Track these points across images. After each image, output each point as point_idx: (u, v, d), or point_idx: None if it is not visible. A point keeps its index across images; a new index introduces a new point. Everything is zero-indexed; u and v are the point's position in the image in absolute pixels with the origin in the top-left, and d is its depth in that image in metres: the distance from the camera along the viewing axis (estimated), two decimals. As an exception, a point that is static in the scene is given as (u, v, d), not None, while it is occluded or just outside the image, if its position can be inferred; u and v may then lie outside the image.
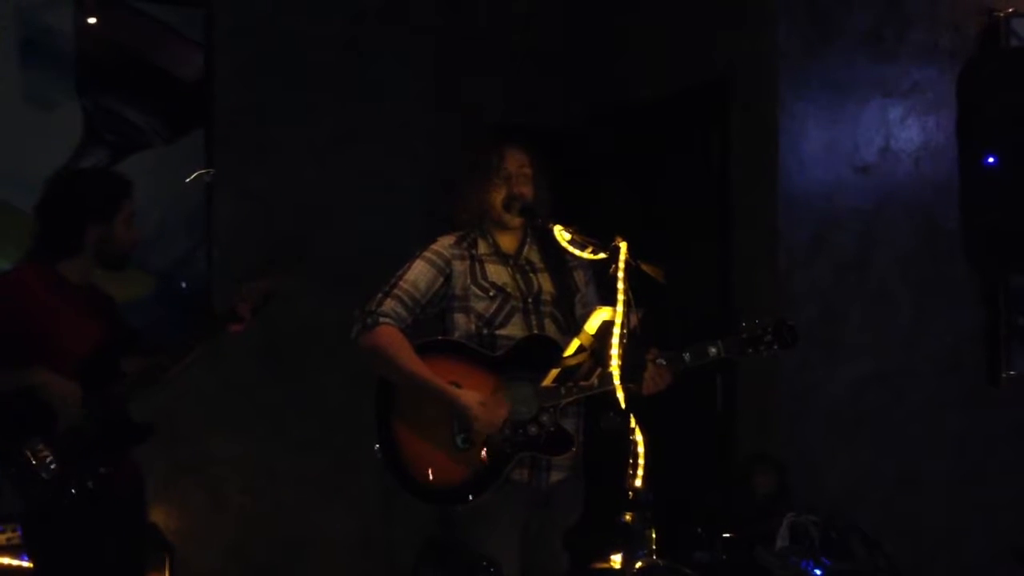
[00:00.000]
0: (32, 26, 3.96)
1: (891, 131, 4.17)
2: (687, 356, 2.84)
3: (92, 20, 4.06)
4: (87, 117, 4.05)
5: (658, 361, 2.82)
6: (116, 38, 4.11)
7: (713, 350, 2.83)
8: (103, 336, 2.93)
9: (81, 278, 2.96)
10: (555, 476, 2.93)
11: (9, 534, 3.39)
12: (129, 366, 2.96)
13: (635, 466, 2.65)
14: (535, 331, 2.94)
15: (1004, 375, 4.23)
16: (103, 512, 2.84)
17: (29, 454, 2.75)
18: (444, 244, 3.00)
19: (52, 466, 2.75)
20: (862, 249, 4.12)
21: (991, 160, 4.01)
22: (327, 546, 4.42)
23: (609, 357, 2.66)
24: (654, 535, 2.76)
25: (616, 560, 2.68)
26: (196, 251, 4.26)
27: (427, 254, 2.98)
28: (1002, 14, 4.17)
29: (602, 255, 2.73)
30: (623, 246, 2.64)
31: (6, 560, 3.33)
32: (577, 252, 2.91)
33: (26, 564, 3.28)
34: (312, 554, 4.40)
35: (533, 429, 2.85)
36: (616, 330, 2.60)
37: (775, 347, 2.82)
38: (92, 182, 2.98)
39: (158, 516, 3.87)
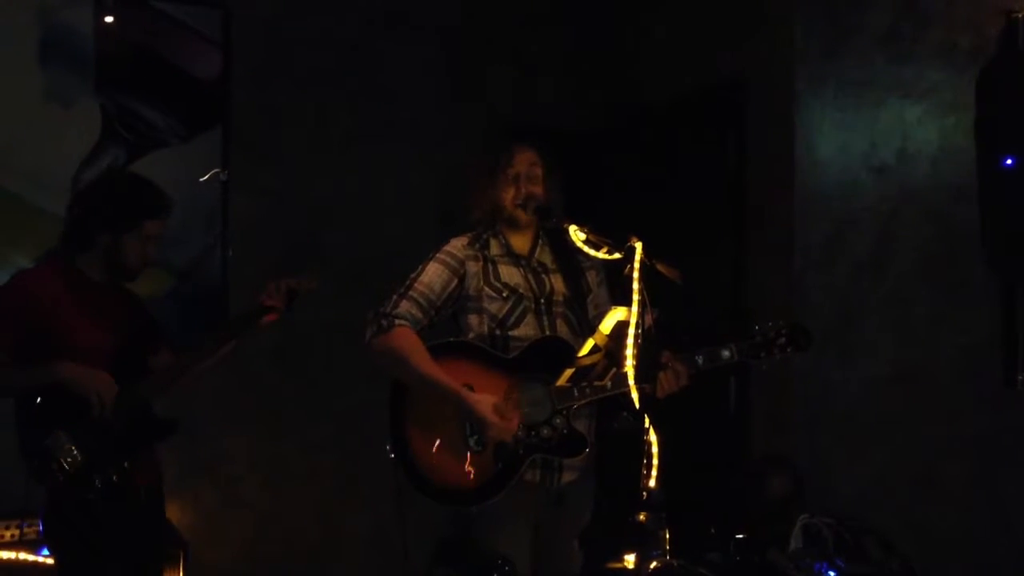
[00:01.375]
0: (51, 25, 3.98)
1: (908, 132, 4.15)
2: (700, 359, 2.83)
3: (110, 19, 4.08)
4: (105, 115, 4.07)
5: (672, 364, 2.82)
6: (134, 37, 4.13)
7: (726, 353, 2.83)
8: (124, 332, 2.93)
9: (100, 275, 2.96)
10: (567, 477, 2.94)
11: (14, 530, 3.40)
12: (154, 363, 2.97)
13: (649, 467, 2.65)
14: (547, 332, 2.94)
15: (1021, 377, 4.20)
16: (124, 507, 2.85)
17: (52, 447, 2.76)
18: (457, 245, 3.01)
19: (76, 459, 2.76)
20: (878, 250, 4.10)
21: (1009, 162, 3.99)
22: (340, 545, 4.43)
23: (624, 357, 2.66)
24: (668, 536, 2.75)
25: (630, 560, 2.68)
26: (212, 249, 4.28)
27: (441, 255, 2.99)
28: (1020, 15, 4.14)
29: (617, 255, 2.73)
30: (638, 246, 2.63)
31: (16, 555, 3.33)
32: (592, 252, 2.91)
33: (40, 559, 3.30)
34: (325, 553, 4.41)
35: (546, 431, 2.85)
36: (631, 330, 2.60)
37: (789, 350, 2.81)
38: (118, 190, 2.94)
39: (172, 513, 3.87)
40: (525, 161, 2.98)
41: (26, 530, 3.39)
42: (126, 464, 2.84)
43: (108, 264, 2.94)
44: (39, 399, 2.78)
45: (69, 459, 2.76)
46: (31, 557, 3.29)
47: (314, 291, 3.05)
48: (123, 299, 3.02)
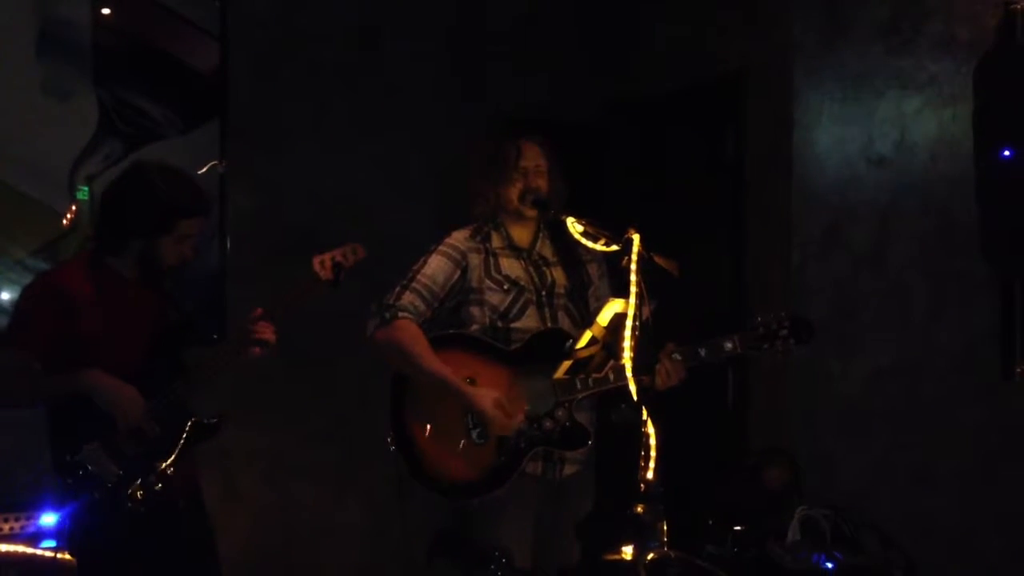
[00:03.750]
0: (48, 17, 3.97)
1: (907, 124, 4.14)
2: (703, 351, 2.83)
3: (107, 11, 4.07)
4: (103, 108, 4.06)
5: (673, 355, 2.82)
6: (132, 29, 4.11)
7: (729, 345, 2.83)
8: (156, 329, 2.82)
9: (133, 273, 2.83)
10: (568, 469, 2.94)
11: (12, 523, 3.38)
12: (189, 358, 2.85)
13: (647, 459, 2.65)
14: (549, 324, 2.94)
15: (1019, 370, 4.20)
16: (162, 518, 2.72)
17: (88, 463, 2.65)
18: (459, 238, 3.01)
19: (114, 472, 2.65)
20: (877, 243, 4.10)
21: (1007, 154, 3.98)
22: (340, 537, 4.43)
23: (621, 349, 2.66)
24: (665, 528, 2.75)
25: (627, 552, 2.68)
26: (210, 241, 4.27)
27: (443, 248, 2.99)
28: (1019, 7, 4.13)
29: (615, 247, 2.73)
30: (636, 238, 2.63)
31: (16, 548, 3.31)
32: (590, 244, 2.91)
33: (40, 552, 3.28)
34: (325, 545, 4.42)
35: (548, 424, 2.85)
36: (628, 322, 2.60)
37: (791, 342, 2.81)
38: (149, 190, 2.75)
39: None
40: (533, 156, 2.99)
41: (12, 524, 3.36)
42: (170, 471, 2.72)
43: (143, 266, 2.81)
44: (71, 410, 2.66)
45: (106, 471, 2.65)
46: (31, 550, 3.28)
47: (361, 260, 2.92)
48: (156, 295, 2.89)
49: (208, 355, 2.85)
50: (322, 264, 2.87)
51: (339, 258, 2.89)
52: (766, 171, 4.10)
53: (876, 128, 4.10)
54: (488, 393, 2.80)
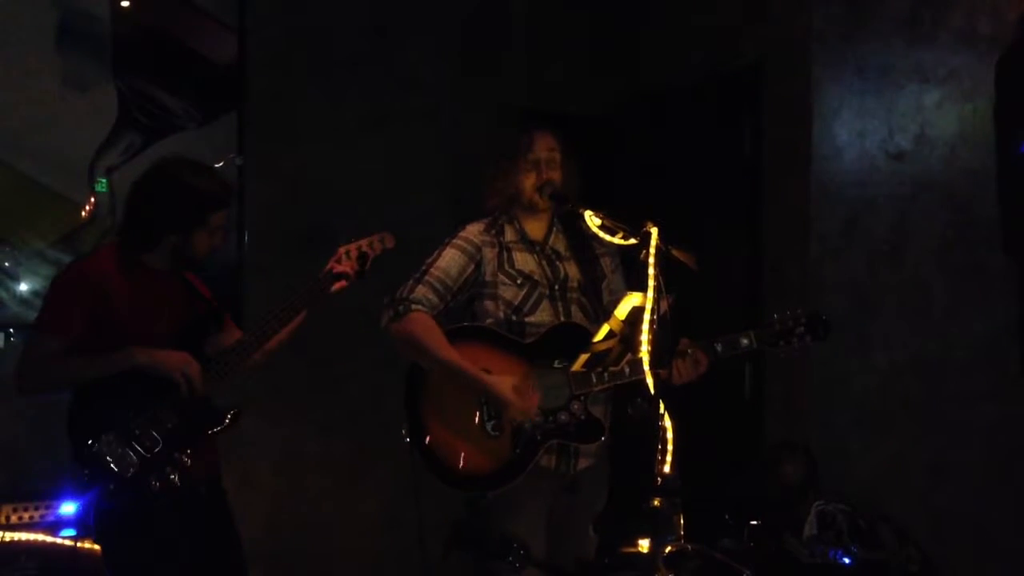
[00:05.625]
0: (68, 9, 3.99)
1: (927, 118, 4.11)
2: (719, 347, 2.83)
3: (126, 3, 4.09)
4: (122, 100, 4.08)
5: (689, 351, 2.81)
6: (150, 21, 4.13)
7: (745, 341, 2.83)
8: (183, 320, 2.84)
9: (162, 264, 2.87)
10: (583, 463, 2.94)
11: (32, 512, 3.40)
12: (214, 346, 2.88)
13: (664, 452, 2.65)
14: (562, 318, 2.94)
15: (1038, 365, 4.17)
16: (184, 506, 2.74)
17: (105, 453, 2.65)
18: (473, 231, 3.01)
19: (131, 461, 2.66)
20: (896, 237, 4.08)
21: (1029, 148, 3.96)
22: (355, 528, 4.45)
23: (639, 343, 2.65)
24: (682, 521, 2.75)
25: (644, 545, 2.68)
26: (227, 233, 4.27)
27: (457, 241, 2.99)
28: (1041, 0, 4.10)
29: (633, 240, 2.72)
30: (654, 231, 2.62)
31: (35, 536, 3.34)
32: (607, 237, 2.90)
33: (59, 540, 3.31)
34: (340, 536, 4.44)
35: (564, 417, 2.85)
36: (646, 316, 2.59)
37: (807, 339, 2.81)
38: (181, 186, 2.79)
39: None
40: (545, 146, 2.98)
41: (32, 512, 3.38)
42: (186, 459, 2.73)
43: (175, 258, 2.85)
44: (89, 401, 2.69)
45: (123, 463, 2.66)
46: (51, 539, 3.31)
47: (390, 251, 2.95)
48: (183, 286, 2.92)
49: (228, 349, 2.87)
50: (347, 254, 2.91)
51: (365, 247, 2.92)
52: (783, 164, 4.08)
53: (896, 121, 4.07)
54: (504, 379, 2.81)
